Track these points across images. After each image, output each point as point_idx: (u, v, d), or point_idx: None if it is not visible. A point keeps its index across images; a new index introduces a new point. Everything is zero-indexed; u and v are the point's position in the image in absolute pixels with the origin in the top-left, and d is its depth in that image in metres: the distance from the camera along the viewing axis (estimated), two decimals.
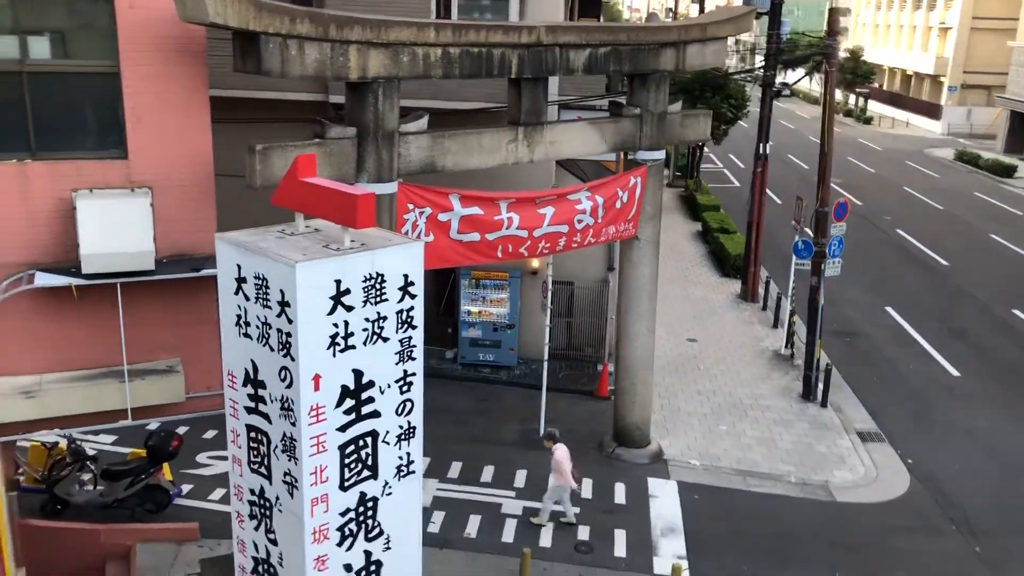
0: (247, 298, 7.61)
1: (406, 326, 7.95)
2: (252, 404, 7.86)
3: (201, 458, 14.23)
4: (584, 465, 14.15)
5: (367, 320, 7.61)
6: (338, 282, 7.32)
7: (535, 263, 18.25)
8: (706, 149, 46.83)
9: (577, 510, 13.15)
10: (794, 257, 18.58)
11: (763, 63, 23.51)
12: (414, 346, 8.08)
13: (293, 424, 7.43)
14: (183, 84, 9.68)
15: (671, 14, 45.03)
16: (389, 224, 10.58)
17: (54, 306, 9.72)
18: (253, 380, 7.78)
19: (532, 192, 12.21)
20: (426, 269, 14.13)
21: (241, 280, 7.63)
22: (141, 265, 9.42)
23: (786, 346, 20.13)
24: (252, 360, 7.72)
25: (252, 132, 11.94)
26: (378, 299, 7.68)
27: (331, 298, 7.30)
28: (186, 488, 13.28)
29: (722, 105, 32.64)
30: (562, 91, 17.59)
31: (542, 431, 15.36)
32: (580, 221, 12.65)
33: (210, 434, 14.68)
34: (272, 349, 7.46)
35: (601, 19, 28.93)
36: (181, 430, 12.79)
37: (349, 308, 7.45)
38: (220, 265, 7.84)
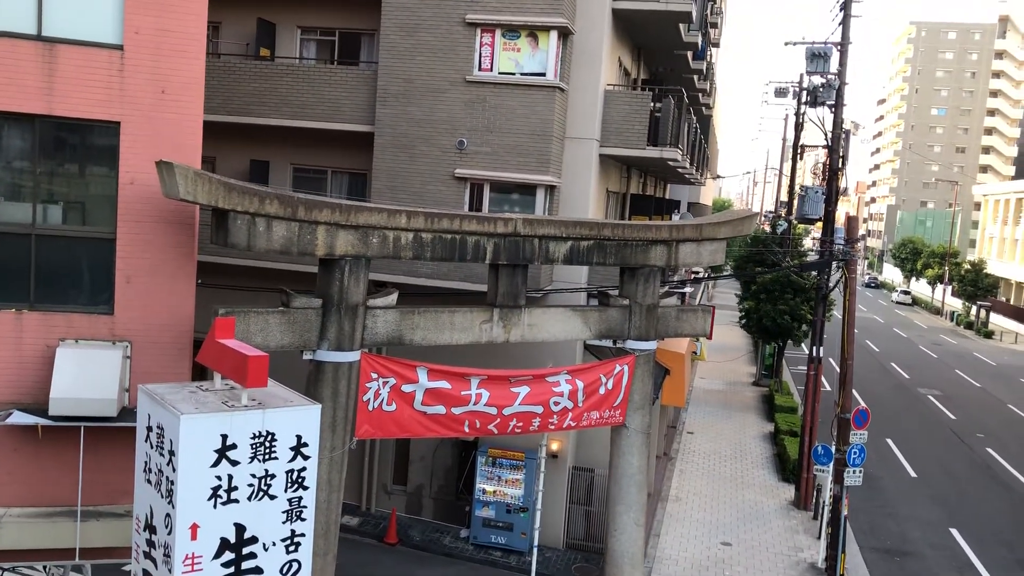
0: (151, 446, 8.15)
1: (296, 486, 8.27)
2: (147, 548, 8.26)
3: None
4: None
5: (253, 476, 7.99)
6: (224, 436, 7.78)
7: (555, 446, 18.21)
8: (803, 347, 45.91)
9: None
10: (814, 463, 17.87)
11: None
12: (304, 507, 8.35)
13: (170, 571, 7.76)
14: (172, 251, 10.78)
15: (784, 209, 45.20)
16: (348, 391, 11.09)
17: (30, 444, 10.58)
18: (149, 525, 8.21)
19: (507, 371, 12.52)
20: (386, 438, 14.62)
21: (150, 428, 8.20)
22: (104, 411, 10.20)
23: (824, 559, 18.94)
24: (150, 505, 8.17)
25: (262, 298, 12.96)
26: (267, 457, 8.07)
27: (215, 451, 7.74)
28: None
29: (801, 307, 32.48)
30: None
31: None
32: (557, 403, 12.81)
33: None
34: (162, 496, 7.91)
35: (674, 217, 29.73)
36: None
37: (235, 463, 7.86)
38: (139, 414, 8.46)
